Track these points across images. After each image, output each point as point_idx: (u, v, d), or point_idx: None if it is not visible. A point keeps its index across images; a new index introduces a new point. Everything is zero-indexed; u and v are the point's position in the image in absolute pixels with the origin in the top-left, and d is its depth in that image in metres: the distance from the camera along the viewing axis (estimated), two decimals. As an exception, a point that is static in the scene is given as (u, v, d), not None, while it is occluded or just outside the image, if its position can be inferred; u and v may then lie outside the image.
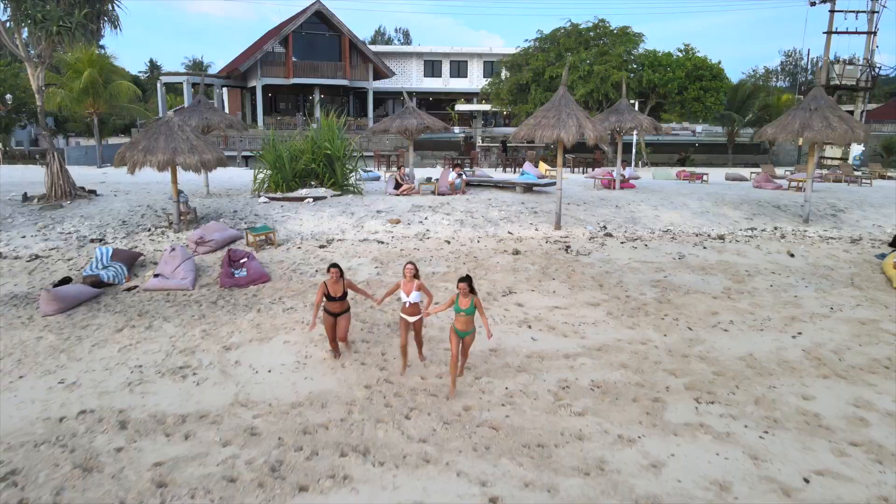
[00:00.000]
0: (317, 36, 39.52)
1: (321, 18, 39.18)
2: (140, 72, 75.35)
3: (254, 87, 39.92)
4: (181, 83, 40.60)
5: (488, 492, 5.01)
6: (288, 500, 4.90)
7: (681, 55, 30.72)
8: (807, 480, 5.25)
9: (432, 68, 48.02)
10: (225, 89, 45.02)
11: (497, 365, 7.46)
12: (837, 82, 28.77)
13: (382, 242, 12.70)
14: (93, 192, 15.49)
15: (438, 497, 4.96)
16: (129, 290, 10.20)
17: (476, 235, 13.27)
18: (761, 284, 10.85)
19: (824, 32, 28.54)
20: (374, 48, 46.28)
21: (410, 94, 26.46)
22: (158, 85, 39.59)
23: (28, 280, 10.61)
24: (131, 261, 11.00)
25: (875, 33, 28.13)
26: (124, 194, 16.21)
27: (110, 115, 33.52)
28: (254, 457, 5.48)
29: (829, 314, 9.58)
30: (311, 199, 14.94)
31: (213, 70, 65.42)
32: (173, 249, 10.70)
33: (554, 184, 14.57)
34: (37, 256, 11.55)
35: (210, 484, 5.07)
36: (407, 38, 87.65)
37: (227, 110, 45.58)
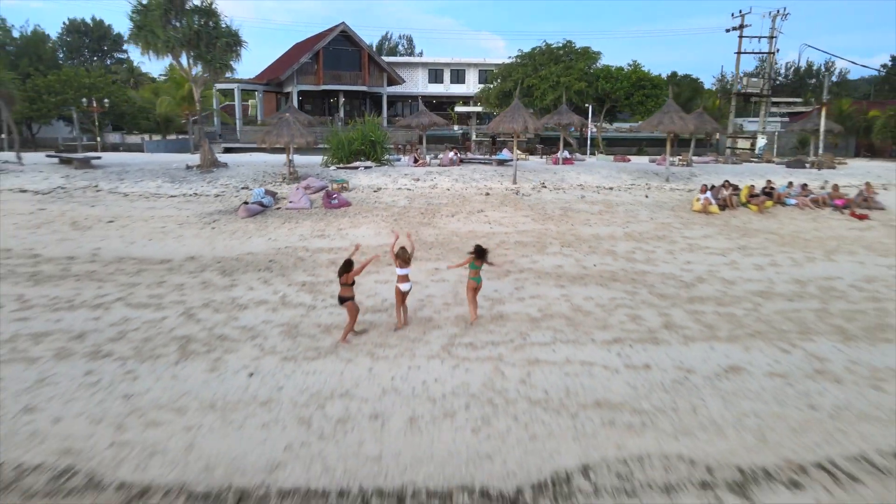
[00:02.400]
0: (341, 50, 48.54)
1: (345, 36, 48.22)
2: (160, 75, 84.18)
3: (289, 93, 48.89)
4: (232, 89, 49.51)
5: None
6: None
7: (628, 69, 39.71)
8: (596, 265, 14.25)
9: (436, 76, 57.05)
10: (257, 94, 54.09)
11: (478, 240, 16.45)
12: (746, 91, 37.71)
13: (409, 190, 21.65)
14: (224, 164, 24.46)
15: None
16: (277, 208, 19.16)
17: (465, 186, 22.22)
18: (620, 209, 19.79)
19: (735, 52, 37.51)
20: (386, 59, 55.29)
21: (416, 97, 35.35)
22: (236, 90, 48.58)
23: (219, 206, 19.56)
24: (273, 195, 19.94)
25: (774, 53, 37.04)
26: (240, 167, 25.20)
27: (181, 116, 42.59)
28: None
29: (649, 221, 18.51)
30: (362, 167, 23.95)
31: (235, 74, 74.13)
32: (297, 189, 19.63)
33: (519, 161, 23.57)
34: (217, 195, 20.52)
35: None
36: (410, 43, 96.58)
37: (263, 112, 54.69)
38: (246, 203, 18.93)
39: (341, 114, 48.25)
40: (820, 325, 10.07)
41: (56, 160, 24.95)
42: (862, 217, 19.46)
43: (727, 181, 21.23)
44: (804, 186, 21.41)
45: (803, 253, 15.33)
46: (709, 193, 20.12)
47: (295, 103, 48.53)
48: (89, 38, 67.46)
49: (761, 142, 37.29)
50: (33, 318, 9.90)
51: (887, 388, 7.81)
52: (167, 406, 6.97)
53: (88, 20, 65.85)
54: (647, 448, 6.17)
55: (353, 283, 8.93)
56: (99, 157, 26.12)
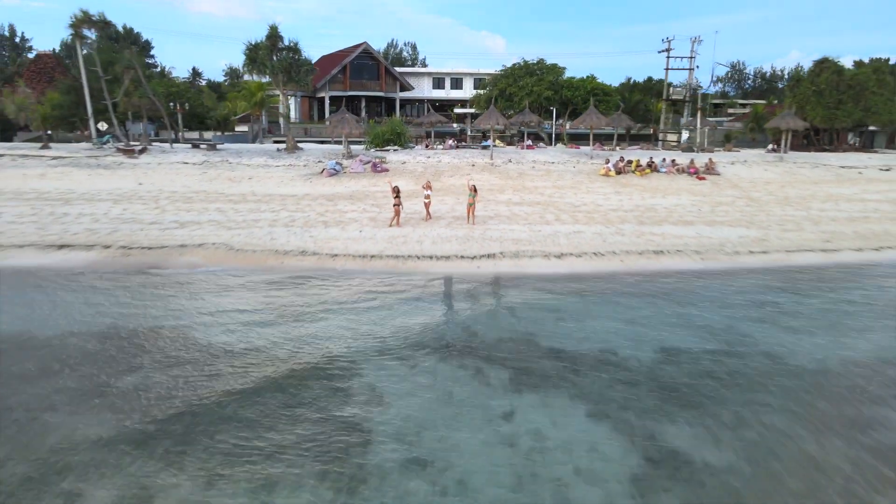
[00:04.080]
0: (363, 64, 60.95)
1: (366, 53, 60.68)
2: (183, 78, 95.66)
3: (322, 98, 61.29)
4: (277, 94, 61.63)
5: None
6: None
7: (587, 79, 52.04)
8: (531, 199, 26.77)
9: (438, 83, 69.44)
10: (295, 97, 66.37)
11: (467, 189, 28.96)
12: (673, 98, 50.11)
13: (423, 162, 34.04)
14: (302, 148, 36.82)
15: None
16: (344, 173, 31.55)
17: (459, 161, 34.59)
18: (554, 174, 32.13)
19: (665, 69, 49.99)
20: (398, 69, 67.70)
21: (423, 100, 47.78)
22: (282, 96, 60.80)
23: (308, 171, 31.91)
24: (340, 164, 32.31)
25: (693, 70, 49.46)
26: (310, 150, 37.54)
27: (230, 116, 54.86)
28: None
29: (569, 179, 30.90)
30: (392, 150, 36.37)
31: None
32: (355, 161, 32.03)
33: (496, 146, 36.03)
34: (304, 165, 32.92)
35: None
36: (415, 49, 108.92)
37: (301, 113, 67.07)
38: (325, 169, 31.32)
39: (363, 114, 60.68)
40: (630, 218, 22.63)
41: (189, 146, 37.36)
42: (701, 178, 31.84)
43: (622, 157, 33.67)
44: (673, 161, 33.79)
45: (651, 195, 27.82)
46: (610, 164, 32.50)
47: (326, 106, 61.01)
48: (119, 44, 79.39)
49: (684, 136, 49.55)
50: (249, 212, 22.42)
51: (642, 233, 20.34)
52: (327, 239, 19.45)
53: (120, 28, 77.59)
54: (533, 250, 18.67)
55: (399, 197, 21.37)
56: (221, 143, 38.56)
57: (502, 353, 12.15)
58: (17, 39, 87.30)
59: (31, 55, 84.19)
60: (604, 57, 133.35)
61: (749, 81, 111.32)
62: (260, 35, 33.79)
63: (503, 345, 12.58)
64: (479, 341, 12.77)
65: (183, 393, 10.29)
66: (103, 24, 33.90)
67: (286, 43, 34.14)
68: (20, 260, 18.57)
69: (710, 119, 59.35)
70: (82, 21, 32.41)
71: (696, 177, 32.19)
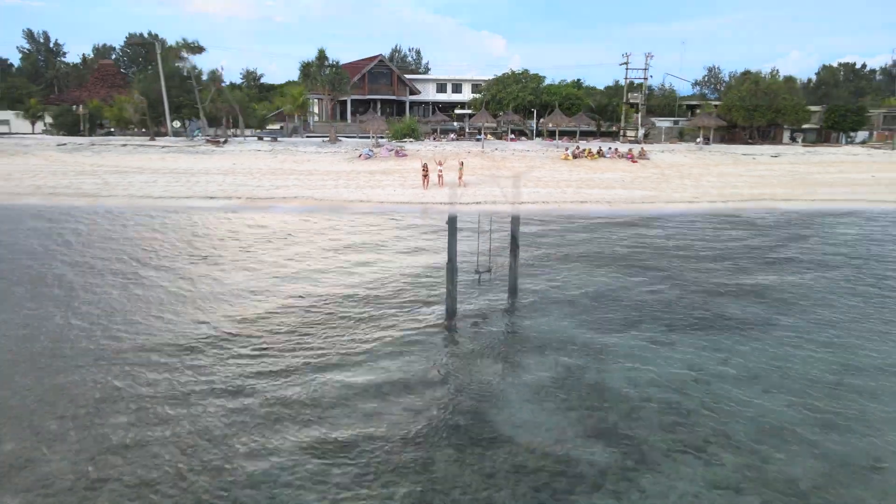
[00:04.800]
0: (379, 73, 73.02)
1: (381, 63, 72.83)
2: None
3: (345, 101, 73.36)
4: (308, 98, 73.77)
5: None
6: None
7: (560, 87, 64.10)
8: (508, 172, 38.98)
9: (441, 87, 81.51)
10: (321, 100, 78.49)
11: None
12: (631, 101, 62.31)
13: (432, 150, 46.12)
14: (341, 140, 48.85)
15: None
16: (375, 157, 43.62)
17: (457, 150, 46.66)
18: (528, 158, 44.19)
19: (624, 79, 62.12)
20: (407, 76, 79.85)
21: (428, 103, 59.98)
22: (313, 99, 73.11)
23: (348, 156, 43.98)
24: (372, 151, 44.37)
25: (647, 79, 61.60)
26: (346, 141, 49.61)
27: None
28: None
29: (537, 161, 43.00)
30: (409, 141, 48.48)
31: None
32: (383, 149, 44.12)
33: (487, 139, 48.17)
34: (345, 152, 45.02)
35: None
36: (419, 55, 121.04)
37: (328, 114, 79.20)
38: (361, 154, 43.35)
39: (378, 114, 72.75)
40: (573, 184, 34.85)
41: (255, 138, 49.46)
42: (635, 161, 43.90)
43: (578, 145, 45.76)
44: (616, 150, 45.85)
45: (593, 172, 39.94)
46: (569, 150, 44.58)
47: (349, 108, 73.04)
48: (146, 49, 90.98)
49: (641, 132, 61.58)
50: (318, 180, 34.72)
51: (579, 192, 32.58)
52: (374, 193, 31.69)
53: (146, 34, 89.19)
54: (502, 201, 30.86)
55: (426, 170, 33.61)
56: (278, 136, 50.68)
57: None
58: (52, 45, 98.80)
59: (64, 59, 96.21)
60: (601, 57, 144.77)
61: (723, 84, 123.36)
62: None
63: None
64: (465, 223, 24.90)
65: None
66: (198, 49, 45.93)
67: (330, 61, 46.22)
68: (194, 203, 30.68)
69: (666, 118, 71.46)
70: (182, 47, 44.46)
71: (630, 161, 44.23)
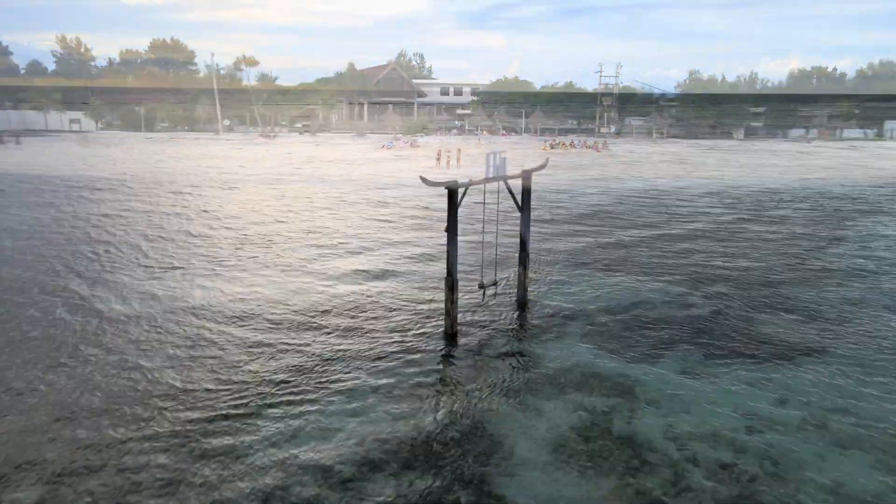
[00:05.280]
0: (392, 78, 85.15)
1: (394, 70, 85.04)
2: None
3: (362, 102, 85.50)
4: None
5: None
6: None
7: (548, 91, 76.15)
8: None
9: (445, 91, 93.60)
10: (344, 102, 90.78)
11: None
12: (605, 104, 74.51)
13: (440, 142, 58.19)
14: (365, 134, 60.91)
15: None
16: (394, 147, 55.75)
17: (459, 142, 58.72)
18: (519, 148, 56.31)
19: (599, 84, 74.25)
20: (415, 81, 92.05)
21: (433, 104, 72.26)
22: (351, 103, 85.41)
23: (374, 146, 56.09)
24: (392, 143, 56.43)
25: (616, 86, 73.68)
26: (368, 137, 61.73)
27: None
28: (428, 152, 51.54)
29: (524, 151, 55.13)
30: (420, 135, 60.64)
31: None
32: (401, 141, 56.23)
33: (483, 134, 60.34)
34: (372, 143, 57.15)
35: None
36: (422, 59, 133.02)
37: (344, 114, 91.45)
38: (384, 145, 55.42)
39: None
40: (547, 166, 47.21)
41: (297, 133, 61.57)
42: (598, 151, 55.97)
43: (555, 138, 57.90)
44: (584, 142, 57.96)
45: (567, 158, 52.09)
46: (548, 143, 56.69)
47: (365, 109, 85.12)
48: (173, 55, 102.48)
49: (613, 129, 73.73)
50: (356, 162, 47.03)
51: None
52: (398, 170, 43.92)
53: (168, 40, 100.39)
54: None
55: (440, 155, 45.78)
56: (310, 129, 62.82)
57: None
58: (83, 49, 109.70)
59: (95, 63, 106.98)
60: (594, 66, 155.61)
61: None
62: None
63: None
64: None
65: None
66: (254, 62, 57.98)
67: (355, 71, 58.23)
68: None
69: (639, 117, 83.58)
70: (243, 60, 56.50)
71: (595, 150, 56.28)
